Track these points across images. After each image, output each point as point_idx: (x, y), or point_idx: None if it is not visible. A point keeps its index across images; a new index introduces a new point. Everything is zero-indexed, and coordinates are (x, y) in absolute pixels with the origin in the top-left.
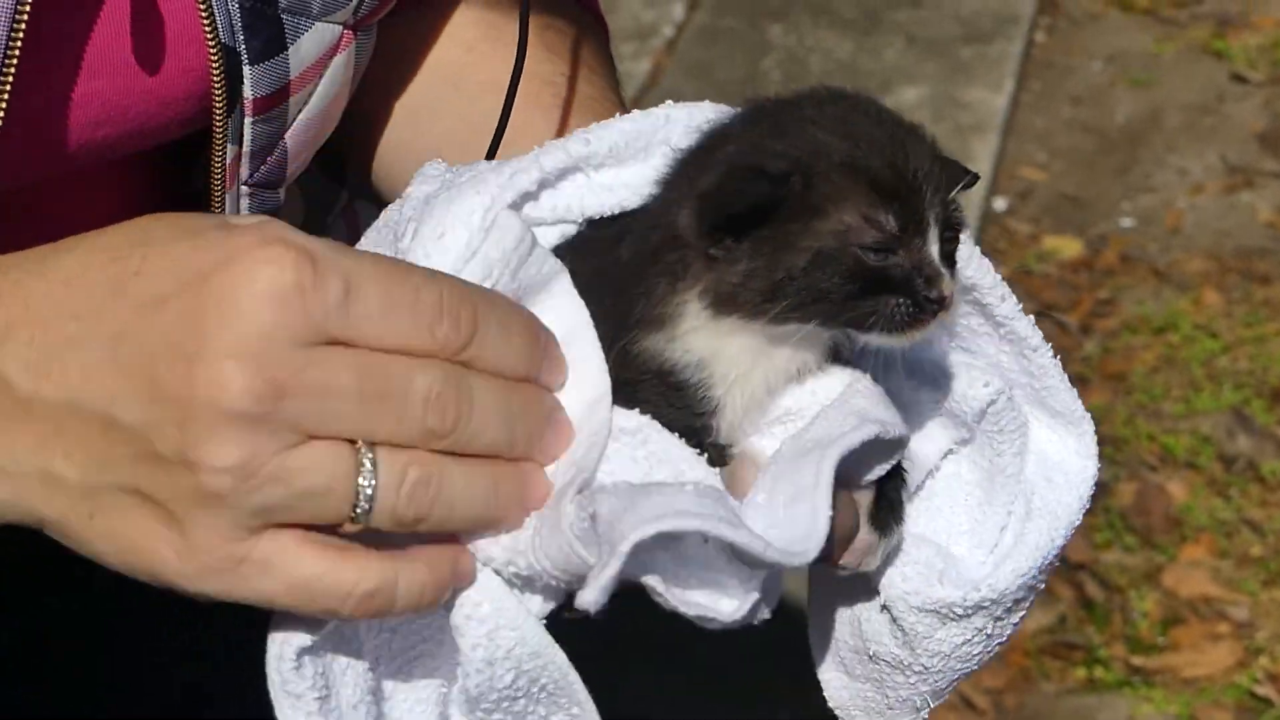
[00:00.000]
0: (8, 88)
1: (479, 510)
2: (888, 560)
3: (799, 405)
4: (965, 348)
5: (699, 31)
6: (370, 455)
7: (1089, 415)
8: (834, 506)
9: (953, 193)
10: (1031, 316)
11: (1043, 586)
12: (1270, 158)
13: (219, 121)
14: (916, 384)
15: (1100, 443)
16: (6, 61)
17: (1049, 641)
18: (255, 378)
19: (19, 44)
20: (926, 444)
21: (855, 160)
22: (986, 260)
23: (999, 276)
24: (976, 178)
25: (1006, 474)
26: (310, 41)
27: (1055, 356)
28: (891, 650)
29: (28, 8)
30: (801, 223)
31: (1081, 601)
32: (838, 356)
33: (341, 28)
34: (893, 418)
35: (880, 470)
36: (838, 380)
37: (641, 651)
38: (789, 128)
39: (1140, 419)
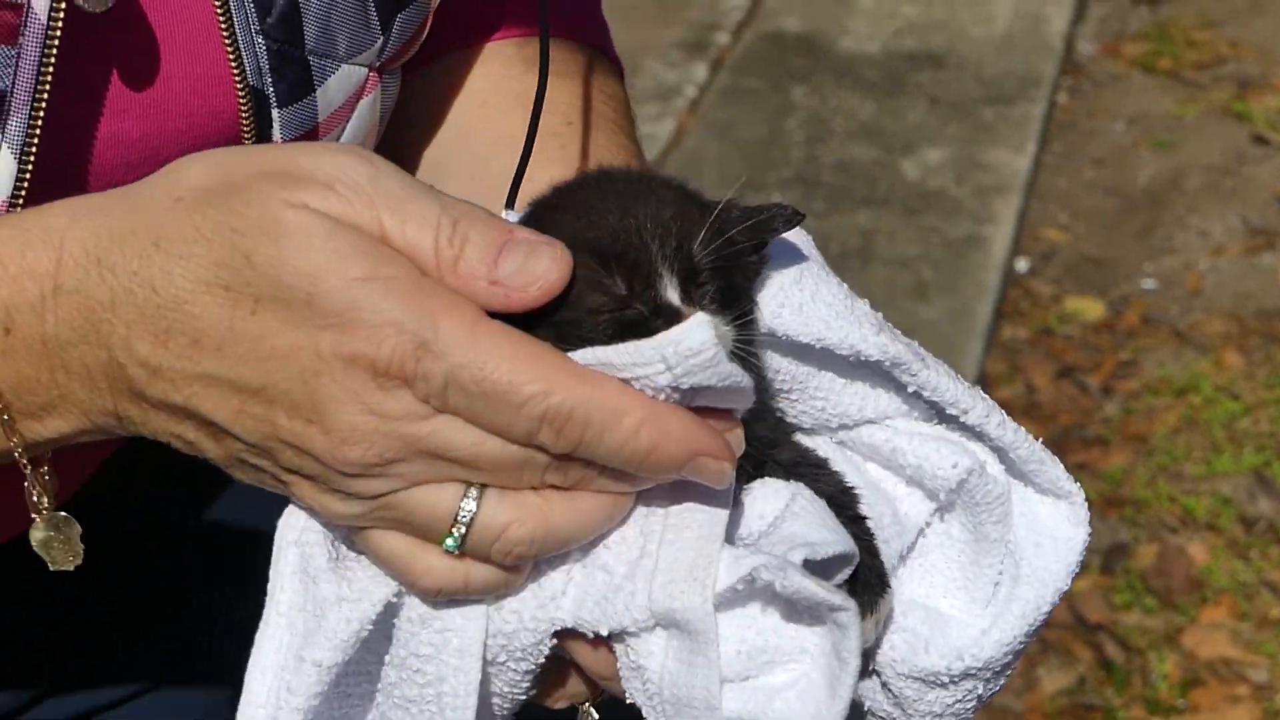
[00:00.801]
0: (38, 128)
1: (580, 541)
2: (883, 630)
3: (748, 532)
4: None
5: (722, 92)
6: (476, 500)
7: (1079, 485)
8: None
9: (696, 240)
10: (1001, 415)
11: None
12: None
13: None
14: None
15: (1121, 504)
16: (36, 101)
17: (1068, 703)
18: (366, 454)
19: (48, 84)
20: (917, 505)
21: (579, 235)
22: (946, 377)
23: (961, 388)
24: (719, 207)
25: (991, 539)
26: (337, 84)
27: (1037, 441)
28: (885, 708)
29: (55, 47)
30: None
31: (1101, 663)
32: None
33: (367, 70)
34: (828, 536)
35: (842, 575)
36: (780, 500)
37: None
38: (543, 217)
39: (1161, 481)
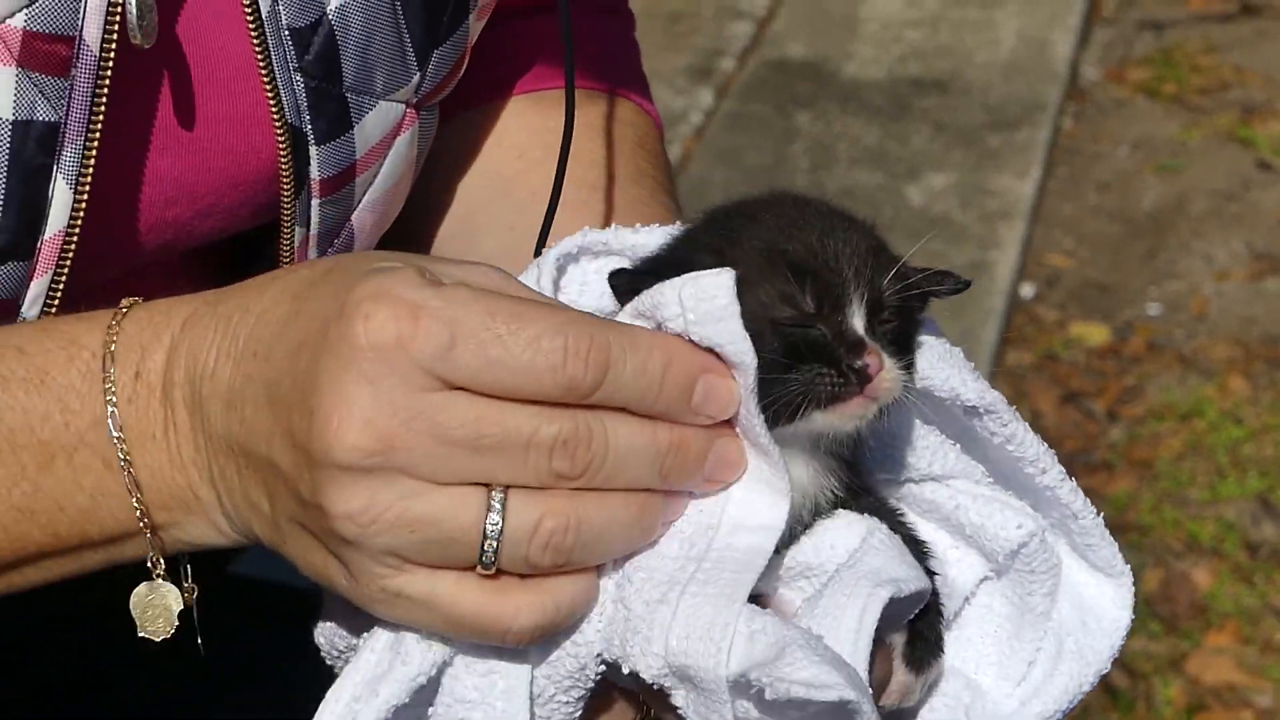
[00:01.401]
0: (93, 160)
1: (621, 544)
2: (926, 694)
3: (818, 560)
4: (998, 488)
5: (728, 118)
6: (500, 503)
7: (1129, 568)
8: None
9: (886, 277)
10: (1073, 482)
11: None
12: None
13: (287, 203)
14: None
15: (1125, 530)
16: (90, 132)
17: None
18: (362, 434)
19: (101, 116)
20: (965, 572)
21: (776, 245)
22: (1031, 433)
23: (1042, 447)
24: (902, 264)
25: (1036, 612)
26: (374, 121)
27: (1098, 514)
28: None
29: (107, 81)
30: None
31: (1106, 689)
32: (852, 498)
33: (404, 107)
34: (908, 573)
35: (908, 614)
36: (854, 534)
37: None
38: (733, 224)
39: (1166, 506)
